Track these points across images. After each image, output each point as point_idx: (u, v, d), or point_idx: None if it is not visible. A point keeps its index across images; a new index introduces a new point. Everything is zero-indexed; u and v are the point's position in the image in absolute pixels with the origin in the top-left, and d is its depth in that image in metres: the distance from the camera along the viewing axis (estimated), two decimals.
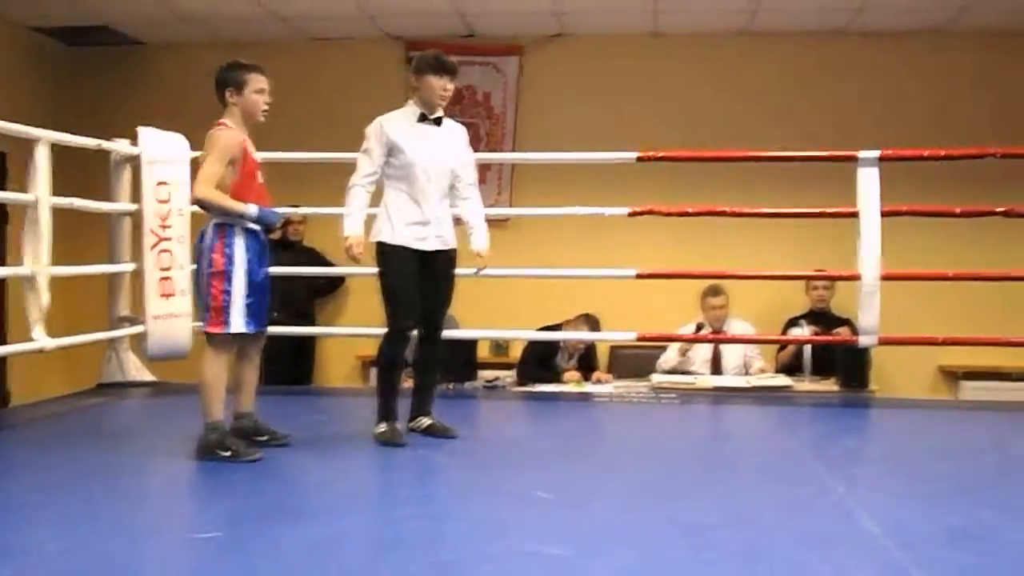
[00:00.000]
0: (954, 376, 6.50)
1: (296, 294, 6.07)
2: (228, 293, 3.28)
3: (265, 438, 3.49)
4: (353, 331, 6.09)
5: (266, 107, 3.42)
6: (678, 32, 6.87)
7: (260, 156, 3.53)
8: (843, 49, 6.76)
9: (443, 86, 3.66)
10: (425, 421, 3.79)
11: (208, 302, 3.31)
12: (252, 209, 3.30)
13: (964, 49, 6.66)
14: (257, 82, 3.39)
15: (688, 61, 6.90)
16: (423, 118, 3.68)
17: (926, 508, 2.81)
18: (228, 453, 3.22)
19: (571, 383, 5.28)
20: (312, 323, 6.47)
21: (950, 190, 5.42)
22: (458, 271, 3.83)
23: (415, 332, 3.74)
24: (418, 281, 3.64)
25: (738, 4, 6.30)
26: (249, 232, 3.35)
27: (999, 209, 4.78)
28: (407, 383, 3.94)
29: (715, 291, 5.62)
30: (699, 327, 5.61)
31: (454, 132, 3.79)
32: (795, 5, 6.26)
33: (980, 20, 6.40)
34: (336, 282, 6.81)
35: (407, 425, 3.76)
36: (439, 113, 3.71)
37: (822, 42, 6.77)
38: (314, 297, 6.67)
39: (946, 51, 6.66)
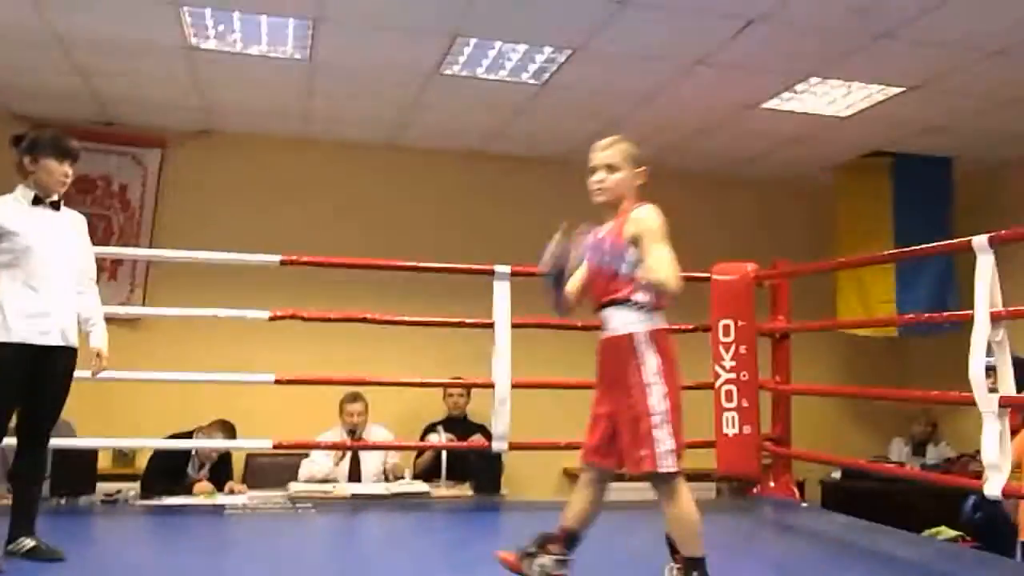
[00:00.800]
0: (576, 478, 6.93)
1: None
2: None
3: None
4: None
5: None
6: (327, 139, 6.97)
7: None
8: (482, 169, 7.22)
9: (64, 171, 3.39)
10: (27, 543, 3.33)
11: None
12: None
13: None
14: None
15: (337, 168, 7.01)
16: (37, 201, 3.38)
17: None
18: None
19: (202, 495, 4.97)
20: None
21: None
22: (76, 373, 3.50)
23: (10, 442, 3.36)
24: (25, 383, 3.28)
25: (388, 119, 6.55)
26: None
27: None
28: (4, 500, 3.48)
29: (353, 397, 5.61)
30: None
31: (73, 220, 3.51)
32: (441, 125, 6.62)
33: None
34: None
35: (5, 549, 3.30)
36: (55, 197, 3.42)
37: (464, 162, 7.19)
38: None
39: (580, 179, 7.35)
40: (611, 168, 2.97)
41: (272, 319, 4.71)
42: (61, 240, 3.40)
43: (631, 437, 2.76)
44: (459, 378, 5.75)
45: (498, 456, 5.20)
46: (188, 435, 5.25)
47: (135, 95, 6.18)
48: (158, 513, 4.69)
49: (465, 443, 5.56)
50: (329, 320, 5.08)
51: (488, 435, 5.15)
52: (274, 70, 5.67)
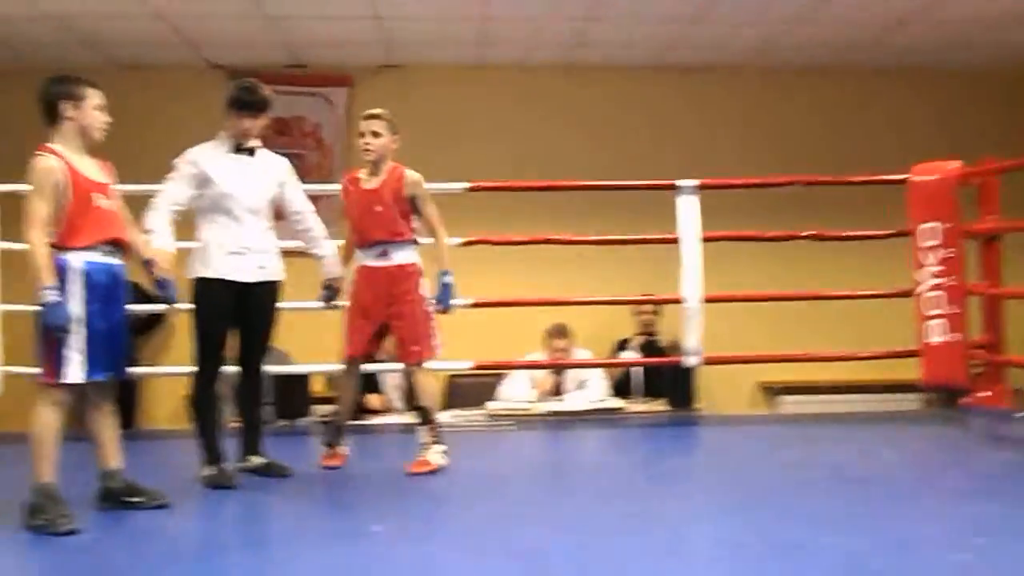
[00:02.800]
0: (772, 391, 6.84)
1: None
2: (59, 340, 2.92)
3: (139, 499, 3.12)
4: (173, 370, 5.81)
5: (105, 123, 3.10)
6: (503, 64, 7.00)
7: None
8: (662, 83, 7.06)
9: (250, 124, 3.61)
10: (256, 460, 3.67)
11: (40, 349, 2.96)
12: (45, 295, 2.89)
13: (777, 84, 7.11)
14: (95, 96, 3.09)
15: (516, 92, 7.04)
16: (236, 148, 3.62)
17: (754, 521, 2.92)
18: (40, 523, 2.85)
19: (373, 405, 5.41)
20: (133, 363, 6.07)
21: (766, 216, 5.73)
22: (306, 304, 3.80)
23: (234, 369, 3.66)
24: (233, 317, 3.57)
25: (562, 39, 6.49)
26: (91, 267, 2.99)
27: (805, 233, 5.10)
28: (234, 423, 3.80)
29: (559, 332, 5.66)
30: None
31: (271, 163, 3.74)
32: (617, 39, 6.50)
33: (787, 58, 6.84)
34: (155, 319, 6.47)
35: (237, 465, 3.63)
36: (252, 144, 3.65)
37: (642, 75, 7.06)
38: (134, 335, 6.25)
39: (762, 85, 7.09)
40: (375, 134, 3.77)
41: (464, 244, 4.85)
42: (256, 184, 3.63)
43: (415, 337, 3.68)
44: (649, 295, 5.75)
45: (691, 371, 5.19)
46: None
47: (321, 36, 6.39)
48: (366, 432, 4.98)
49: (657, 359, 5.58)
50: (517, 243, 5.17)
51: (680, 349, 5.15)
52: None
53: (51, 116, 3.05)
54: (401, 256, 3.73)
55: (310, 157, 6.91)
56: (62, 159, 2.99)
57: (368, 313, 3.73)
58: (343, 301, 3.92)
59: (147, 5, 5.72)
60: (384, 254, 3.72)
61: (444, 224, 3.86)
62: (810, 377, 6.64)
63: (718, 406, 6.26)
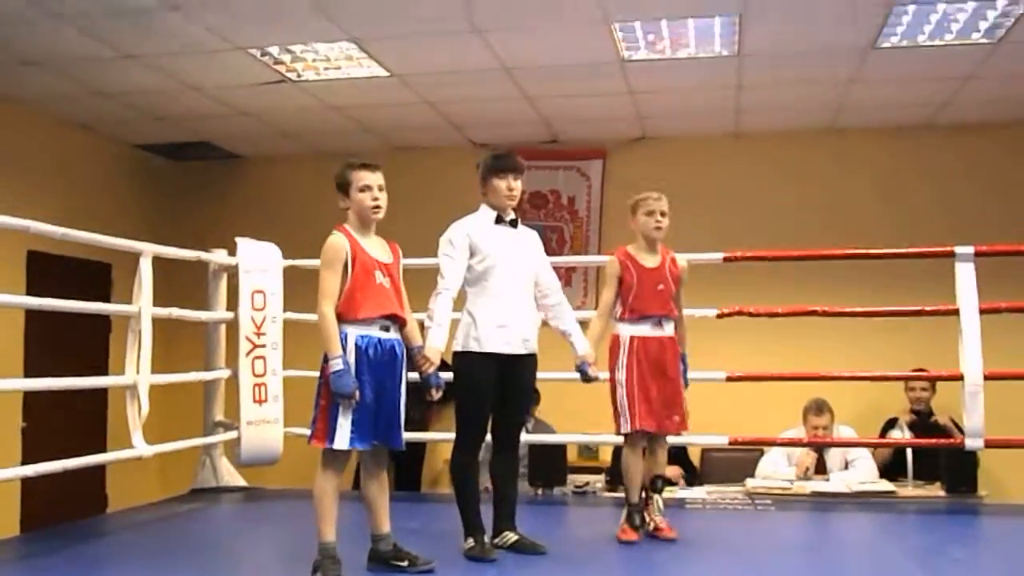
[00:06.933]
0: None
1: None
2: (332, 406, 3.10)
3: (405, 563, 3.22)
4: (443, 436, 6.03)
5: (375, 203, 3.22)
6: (760, 132, 6.89)
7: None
8: (928, 144, 6.69)
9: (508, 185, 3.60)
10: (510, 537, 3.59)
11: (313, 413, 3.15)
12: (334, 364, 3.07)
13: None
14: (359, 179, 3.21)
15: (771, 161, 6.90)
16: (499, 220, 3.64)
17: None
18: None
19: None
20: (423, 430, 6.03)
21: None
22: (559, 375, 3.84)
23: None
24: (496, 390, 3.55)
25: (822, 103, 6.31)
26: (364, 341, 3.15)
27: None
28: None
29: (818, 409, 5.37)
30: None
31: (529, 236, 3.78)
32: (880, 101, 6.24)
33: None
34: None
35: (491, 541, 3.55)
36: (512, 215, 3.67)
37: (907, 138, 6.72)
38: (426, 404, 6.27)
39: None
40: (664, 214, 3.96)
41: (720, 316, 4.75)
42: (521, 255, 3.66)
43: (676, 407, 3.82)
44: (922, 370, 5.36)
45: (972, 454, 4.76)
46: None
47: (576, 112, 6.59)
48: (623, 504, 4.90)
49: (934, 440, 5.16)
50: (777, 315, 5.00)
51: (958, 428, 4.75)
52: (703, 70, 5.73)
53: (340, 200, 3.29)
54: (670, 329, 3.89)
55: (566, 229, 7.08)
56: (350, 237, 3.20)
57: (649, 383, 3.78)
58: (602, 374, 3.86)
59: (417, 94, 6.13)
60: (659, 324, 3.86)
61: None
62: None
63: (1005, 493, 5.70)
